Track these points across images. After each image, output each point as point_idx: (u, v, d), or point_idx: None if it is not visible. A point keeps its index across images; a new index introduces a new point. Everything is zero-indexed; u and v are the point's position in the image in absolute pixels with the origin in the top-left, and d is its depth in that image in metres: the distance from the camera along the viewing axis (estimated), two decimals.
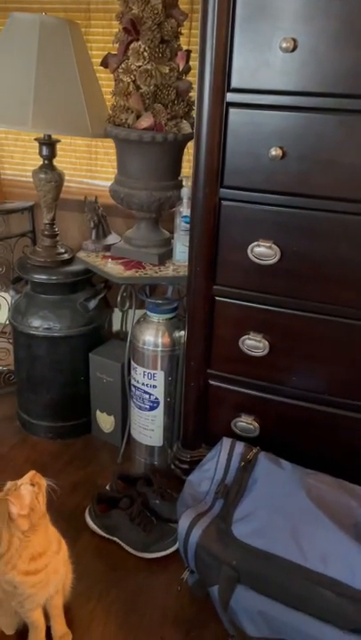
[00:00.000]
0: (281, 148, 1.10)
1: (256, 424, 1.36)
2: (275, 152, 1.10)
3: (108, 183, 1.78)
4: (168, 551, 1.33)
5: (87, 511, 1.43)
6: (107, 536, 1.38)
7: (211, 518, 1.13)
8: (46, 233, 1.67)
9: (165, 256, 1.53)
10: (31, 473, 1.01)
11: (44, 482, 1.01)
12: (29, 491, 0.97)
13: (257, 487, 1.15)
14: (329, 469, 1.22)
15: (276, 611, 1.01)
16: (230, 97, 1.12)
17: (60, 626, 1.12)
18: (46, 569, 1.02)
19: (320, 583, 0.99)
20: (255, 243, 1.19)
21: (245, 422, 1.37)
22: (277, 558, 1.02)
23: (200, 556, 1.09)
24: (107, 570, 1.31)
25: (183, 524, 1.12)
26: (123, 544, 1.36)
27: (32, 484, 0.98)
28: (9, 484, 1.01)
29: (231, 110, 1.13)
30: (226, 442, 1.28)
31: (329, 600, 0.97)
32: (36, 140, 1.54)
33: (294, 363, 1.28)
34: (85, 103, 1.40)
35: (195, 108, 1.35)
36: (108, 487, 1.52)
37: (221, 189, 1.19)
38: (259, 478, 1.17)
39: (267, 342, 1.27)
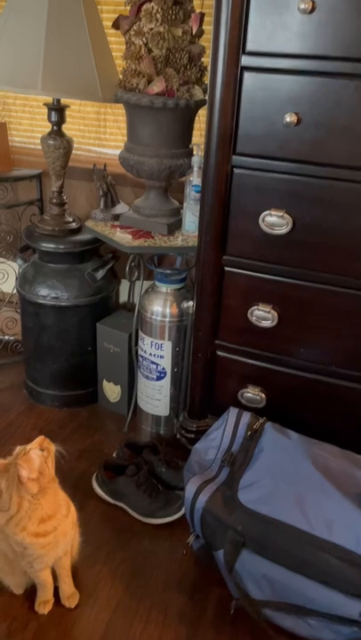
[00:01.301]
0: (296, 114, 1.08)
1: (263, 395, 1.37)
2: (290, 118, 1.08)
3: (117, 151, 1.76)
4: (173, 517, 1.35)
5: (94, 477, 1.45)
6: (113, 502, 1.41)
7: (217, 485, 1.15)
8: (54, 201, 1.65)
9: (175, 226, 1.52)
10: (40, 438, 1.02)
11: (52, 447, 1.02)
12: (38, 455, 0.98)
13: (263, 456, 1.16)
14: (335, 441, 1.23)
15: (280, 575, 1.03)
16: (245, 60, 1.09)
17: (67, 586, 1.15)
18: (55, 531, 1.03)
19: (324, 549, 1.00)
20: (267, 212, 1.18)
21: (252, 393, 1.37)
22: (283, 524, 1.04)
23: (206, 520, 1.11)
24: (113, 534, 1.33)
25: (190, 489, 1.14)
26: (129, 510, 1.38)
27: (41, 449, 0.99)
28: (18, 449, 1.02)
29: (246, 74, 1.10)
30: (233, 411, 1.29)
31: (333, 565, 0.99)
32: (44, 105, 1.52)
33: (303, 334, 1.27)
34: (96, 67, 1.37)
35: (208, 73, 1.32)
36: (114, 455, 1.54)
37: (234, 157, 1.17)
38: (265, 447, 1.18)
39: (276, 313, 1.27)
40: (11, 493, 1.00)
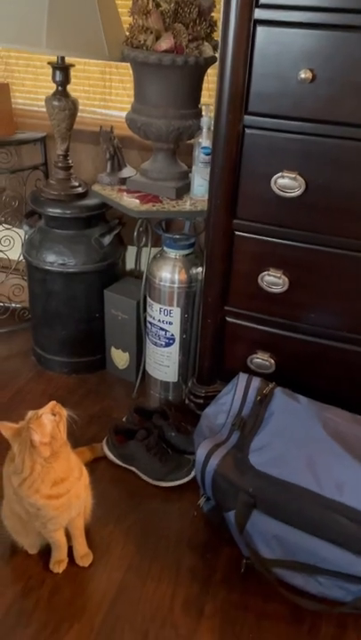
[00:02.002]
0: (311, 70, 1.04)
1: (272, 361, 1.36)
2: (304, 75, 1.04)
3: (123, 113, 1.71)
4: (184, 480, 1.37)
5: (104, 441, 1.46)
6: (124, 465, 1.42)
7: (228, 448, 1.16)
8: (60, 165, 1.62)
9: (183, 190, 1.49)
10: (52, 403, 1.02)
11: (64, 412, 1.03)
12: (50, 420, 0.99)
13: (273, 420, 1.17)
14: (345, 406, 1.23)
15: (290, 535, 1.05)
16: (259, 13, 1.05)
17: (81, 546, 1.18)
18: (68, 493, 1.05)
19: (335, 510, 1.02)
20: (279, 174, 1.15)
21: (261, 359, 1.37)
22: (293, 486, 1.05)
23: (217, 483, 1.12)
24: (124, 497, 1.36)
25: (201, 452, 1.15)
26: (139, 473, 1.40)
27: (53, 414, 1.00)
28: (30, 413, 1.02)
29: (259, 29, 1.06)
30: (242, 377, 1.29)
31: (344, 526, 1.00)
32: (49, 64, 1.47)
33: (314, 299, 1.26)
34: (102, 23, 1.32)
35: (218, 28, 1.27)
36: (124, 419, 1.55)
37: (246, 116, 1.14)
38: (275, 411, 1.18)
39: (286, 279, 1.26)
40: (23, 457, 1.01)
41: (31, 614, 1.08)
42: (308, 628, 1.07)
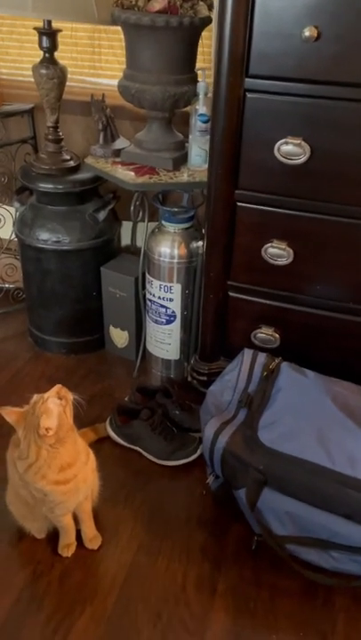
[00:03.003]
0: (316, 27, 0.98)
1: (277, 335, 1.33)
2: (309, 32, 0.99)
3: (114, 81, 1.64)
4: (190, 458, 1.36)
5: (108, 422, 1.44)
6: (128, 445, 1.40)
7: (236, 425, 1.13)
8: (50, 137, 1.55)
9: (180, 160, 1.43)
10: (57, 387, 0.99)
11: (70, 395, 0.99)
12: (57, 404, 0.96)
13: (281, 395, 1.14)
14: (352, 378, 1.21)
15: (303, 511, 1.03)
16: None
17: (89, 529, 1.16)
18: (75, 478, 1.02)
19: (347, 484, 1.00)
20: (283, 140, 1.10)
21: (265, 334, 1.34)
22: (305, 462, 1.03)
23: (227, 460, 1.10)
24: (130, 477, 1.34)
25: (209, 430, 1.12)
26: (145, 453, 1.38)
27: (59, 398, 0.97)
28: (36, 397, 0.99)
29: None
30: (248, 352, 1.26)
31: (357, 500, 0.99)
32: (35, 29, 1.39)
33: (319, 271, 1.23)
34: None
35: None
36: (126, 399, 1.52)
37: (247, 79, 1.08)
38: (283, 387, 1.16)
39: (291, 250, 1.22)
40: (29, 442, 0.98)
41: (42, 599, 1.06)
42: (323, 602, 1.07)
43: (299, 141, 1.09)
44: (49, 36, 1.39)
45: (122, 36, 1.39)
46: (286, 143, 1.10)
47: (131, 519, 1.23)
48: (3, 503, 1.16)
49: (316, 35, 0.98)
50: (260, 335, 1.35)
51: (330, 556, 1.05)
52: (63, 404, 0.97)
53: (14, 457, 1.04)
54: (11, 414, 0.98)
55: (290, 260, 1.22)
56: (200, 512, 1.25)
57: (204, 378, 1.48)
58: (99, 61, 1.66)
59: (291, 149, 1.10)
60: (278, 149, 1.11)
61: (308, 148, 1.09)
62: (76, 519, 1.14)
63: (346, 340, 1.28)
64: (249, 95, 1.10)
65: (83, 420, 1.47)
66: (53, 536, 1.16)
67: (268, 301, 1.31)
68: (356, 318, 1.25)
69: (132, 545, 1.17)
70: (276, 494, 1.05)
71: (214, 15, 1.32)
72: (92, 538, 1.16)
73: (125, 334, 1.71)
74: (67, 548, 1.14)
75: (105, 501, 1.24)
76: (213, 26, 1.35)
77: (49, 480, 1.00)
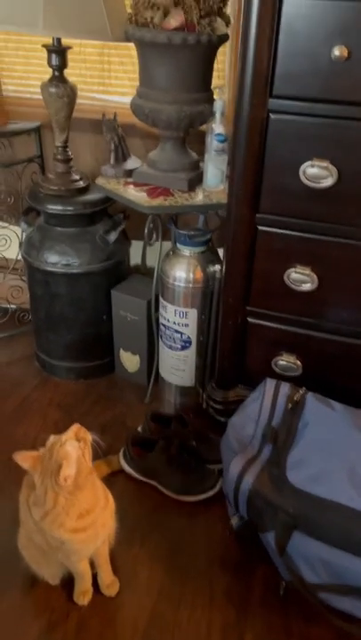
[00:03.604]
0: (346, 46, 0.93)
1: (299, 363, 1.28)
2: (338, 52, 0.94)
3: (124, 98, 1.59)
4: (210, 493, 1.29)
5: (121, 454, 1.37)
6: (144, 479, 1.34)
7: (262, 464, 1.07)
8: (59, 157, 1.50)
9: (195, 181, 1.38)
10: (75, 427, 0.92)
11: (89, 436, 0.93)
12: (75, 447, 0.89)
13: (308, 431, 1.08)
14: None
15: (336, 557, 0.97)
16: None
17: (106, 574, 1.09)
18: (94, 525, 0.96)
19: None
20: (308, 163, 1.05)
21: (287, 361, 1.29)
22: (337, 505, 0.97)
23: (253, 502, 1.04)
24: (147, 513, 1.27)
25: (234, 470, 1.06)
26: (161, 488, 1.32)
27: (77, 440, 0.90)
28: (52, 439, 0.93)
29: (286, 0, 0.95)
30: (270, 382, 1.20)
31: None
32: (44, 46, 1.34)
33: (345, 297, 1.17)
34: (103, 0, 1.20)
35: (228, 1, 1.16)
36: (139, 429, 1.46)
37: (271, 100, 1.03)
38: (309, 421, 1.10)
39: (315, 276, 1.16)
40: (45, 488, 0.91)
41: None
42: None
43: (326, 164, 1.04)
44: (58, 53, 1.34)
45: (132, 52, 1.34)
46: (312, 166, 1.05)
47: (149, 561, 1.17)
48: (14, 546, 1.09)
49: (346, 54, 0.93)
50: (281, 362, 1.29)
51: None
52: (82, 446, 0.91)
53: (29, 501, 0.97)
54: (26, 460, 0.92)
55: (315, 285, 1.17)
56: (222, 552, 1.18)
57: (221, 406, 1.43)
58: (108, 78, 1.61)
59: (317, 172, 1.05)
60: (303, 172, 1.06)
61: (335, 171, 1.04)
62: (91, 563, 1.08)
63: None
64: (273, 116, 1.05)
65: (94, 450, 1.41)
66: (68, 582, 1.10)
67: (289, 327, 1.26)
68: None
69: (151, 590, 1.11)
70: (306, 539, 0.99)
71: (231, 32, 1.28)
72: (110, 584, 1.09)
73: (137, 358, 1.65)
74: (83, 595, 1.08)
75: (121, 542, 1.17)
76: (230, 42, 1.31)
77: (67, 528, 0.93)
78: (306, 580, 1.00)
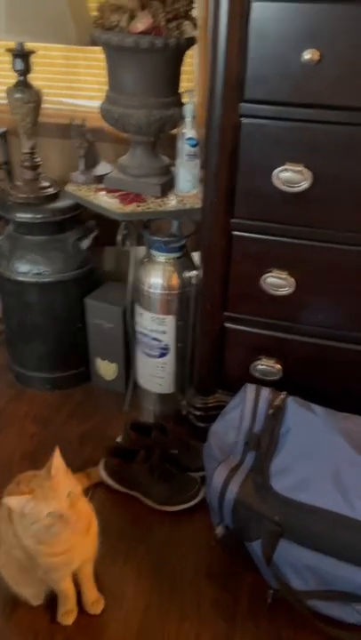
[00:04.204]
0: (317, 49, 0.93)
1: (278, 366, 1.27)
2: (309, 55, 0.93)
3: (92, 103, 1.57)
4: (193, 502, 1.27)
5: (102, 465, 1.34)
6: (125, 491, 1.31)
7: (245, 472, 1.06)
8: (27, 164, 1.46)
9: (167, 186, 1.36)
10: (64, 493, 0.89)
11: (78, 489, 0.89)
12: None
13: (291, 437, 1.08)
14: (357, 409, 1.15)
15: (323, 563, 0.97)
16: None
17: (90, 592, 1.06)
18: (70, 551, 0.93)
19: None
20: (282, 167, 1.04)
21: (266, 365, 1.28)
22: (323, 511, 0.97)
23: (238, 512, 1.03)
24: (129, 525, 1.25)
25: (217, 480, 1.05)
26: (143, 498, 1.29)
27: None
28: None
29: (255, 5, 0.94)
30: (250, 388, 1.19)
31: None
32: (8, 51, 1.30)
33: (322, 300, 1.17)
34: (67, 2, 1.17)
35: (196, 4, 1.15)
36: (119, 439, 1.43)
37: (242, 104, 1.02)
38: (291, 427, 1.09)
39: (292, 279, 1.16)
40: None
41: None
42: None
43: (300, 168, 1.03)
44: (23, 57, 1.30)
45: (100, 56, 1.31)
46: (286, 170, 1.04)
47: (134, 575, 1.14)
48: None
49: (317, 57, 0.93)
50: (260, 367, 1.29)
51: (354, 609, 0.98)
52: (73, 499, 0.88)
53: (11, 516, 0.94)
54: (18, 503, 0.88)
55: (292, 289, 1.16)
56: (208, 562, 1.17)
57: (201, 412, 1.41)
58: (76, 82, 1.57)
59: (291, 176, 1.04)
60: (277, 176, 1.05)
61: (309, 175, 1.03)
62: (75, 581, 1.05)
63: (351, 369, 1.23)
64: (245, 120, 1.04)
65: (73, 462, 1.38)
66: (51, 602, 1.06)
67: (268, 332, 1.25)
68: None
69: (138, 605, 1.08)
70: (293, 546, 0.98)
71: (199, 34, 1.26)
72: (94, 601, 1.07)
73: (114, 366, 1.62)
74: (67, 615, 1.05)
75: (104, 556, 1.14)
76: (198, 45, 1.29)
77: (40, 551, 0.90)
78: (294, 588, 0.99)
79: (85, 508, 0.96)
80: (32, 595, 1.06)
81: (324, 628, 0.97)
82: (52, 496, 0.87)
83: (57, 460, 0.89)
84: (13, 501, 0.88)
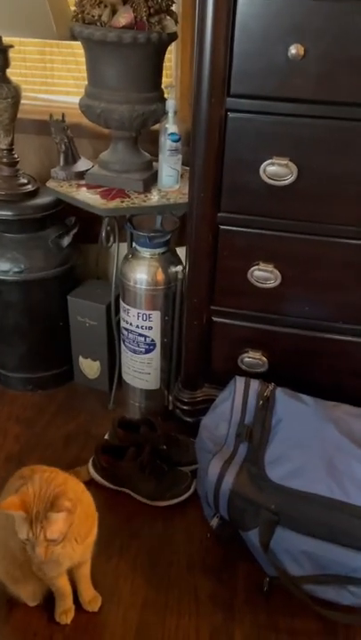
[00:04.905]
0: (302, 44, 0.94)
1: (264, 359, 1.29)
2: (295, 50, 0.95)
3: (69, 98, 1.55)
4: (185, 496, 1.28)
5: (91, 464, 1.34)
6: (116, 488, 1.31)
7: (239, 463, 1.07)
8: (4, 161, 1.44)
9: (150, 181, 1.36)
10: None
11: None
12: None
13: (283, 427, 1.10)
14: (344, 399, 1.18)
15: (319, 548, 0.99)
16: None
17: (87, 590, 1.06)
18: (59, 553, 0.92)
19: None
20: (268, 161, 1.06)
21: (253, 358, 1.29)
22: (318, 497, 0.99)
23: (234, 502, 1.04)
24: (122, 523, 1.24)
25: (213, 472, 1.06)
26: (135, 495, 1.29)
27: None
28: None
29: (241, 0, 0.95)
30: (240, 380, 1.20)
31: None
32: None
33: (308, 292, 1.19)
34: None
35: (175, 0, 1.15)
36: (106, 436, 1.42)
37: (228, 99, 1.03)
38: (283, 417, 1.11)
39: (278, 272, 1.17)
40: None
41: None
42: None
43: (286, 162, 1.05)
44: (1, 52, 1.28)
45: (76, 51, 1.30)
46: (272, 164, 1.05)
47: (130, 571, 1.14)
48: None
49: (302, 53, 0.94)
50: (247, 360, 1.30)
51: (348, 591, 1.00)
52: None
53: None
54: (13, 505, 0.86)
55: (278, 282, 1.18)
56: (203, 555, 1.17)
57: (189, 407, 1.42)
58: (51, 77, 1.55)
59: (277, 170, 1.06)
60: (264, 170, 1.06)
61: (295, 169, 1.05)
62: (71, 578, 1.04)
63: (336, 359, 1.25)
64: (231, 115, 1.04)
65: (60, 462, 1.36)
66: (49, 602, 1.05)
67: (254, 324, 1.27)
68: (346, 338, 1.22)
69: (135, 601, 1.08)
70: (289, 533, 1.00)
71: (179, 30, 1.27)
72: (91, 599, 1.06)
73: (97, 364, 1.61)
74: (65, 614, 1.04)
75: (99, 554, 1.14)
76: (177, 40, 1.29)
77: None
78: (290, 574, 1.01)
79: (86, 518, 0.95)
80: (29, 594, 1.05)
81: (321, 611, 0.99)
82: (40, 527, 0.85)
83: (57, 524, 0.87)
84: (8, 504, 0.86)
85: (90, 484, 1.31)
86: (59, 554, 0.89)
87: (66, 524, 0.86)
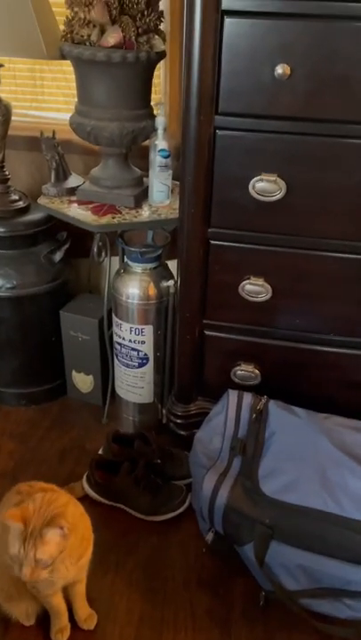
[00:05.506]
0: (288, 64, 0.96)
1: (257, 371, 1.30)
2: (281, 70, 0.96)
3: (59, 115, 1.56)
4: (180, 510, 1.28)
5: (85, 479, 1.33)
6: (111, 503, 1.30)
7: (233, 477, 1.08)
8: None
9: (141, 197, 1.37)
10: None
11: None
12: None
13: (276, 440, 1.10)
14: (336, 411, 1.19)
15: (314, 562, 0.99)
16: (227, 3, 0.95)
17: (82, 608, 1.05)
18: (52, 573, 0.91)
19: (357, 530, 0.97)
20: (257, 177, 1.07)
21: (245, 370, 1.30)
22: (312, 510, 0.99)
23: (229, 517, 1.04)
24: (117, 538, 1.24)
25: (207, 487, 1.06)
26: (129, 510, 1.29)
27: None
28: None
29: (227, 20, 0.96)
30: (232, 394, 1.21)
31: None
32: None
33: (299, 305, 1.20)
34: (35, 16, 1.16)
35: (165, 19, 1.17)
36: (100, 451, 1.42)
37: (217, 117, 1.04)
38: (276, 430, 1.11)
39: (269, 286, 1.18)
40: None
41: None
42: None
43: (274, 178, 1.06)
44: None
45: (65, 68, 1.32)
46: (261, 180, 1.07)
47: (125, 587, 1.14)
48: None
49: (288, 72, 0.96)
50: (239, 372, 1.31)
51: (344, 604, 1.01)
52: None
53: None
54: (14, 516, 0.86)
55: (269, 296, 1.19)
56: (199, 570, 1.17)
57: (182, 420, 1.42)
58: (41, 94, 1.57)
59: (266, 186, 1.07)
60: (253, 187, 1.08)
61: (283, 185, 1.06)
62: (66, 597, 1.03)
63: (327, 371, 1.26)
64: (219, 133, 1.06)
65: (54, 478, 1.36)
66: (44, 621, 1.05)
67: (246, 338, 1.27)
68: (337, 350, 1.23)
69: (131, 618, 1.08)
70: (284, 547, 1.00)
71: (167, 48, 1.28)
72: (87, 617, 1.06)
73: (90, 379, 1.61)
74: (60, 632, 1.03)
75: (95, 570, 1.13)
76: (166, 58, 1.31)
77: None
78: (286, 588, 1.01)
79: (82, 540, 0.94)
80: (23, 612, 1.04)
81: (318, 625, 0.99)
82: (32, 544, 0.85)
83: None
84: (9, 514, 0.86)
85: (84, 499, 1.32)
86: (44, 579, 0.88)
87: (57, 549, 0.86)
